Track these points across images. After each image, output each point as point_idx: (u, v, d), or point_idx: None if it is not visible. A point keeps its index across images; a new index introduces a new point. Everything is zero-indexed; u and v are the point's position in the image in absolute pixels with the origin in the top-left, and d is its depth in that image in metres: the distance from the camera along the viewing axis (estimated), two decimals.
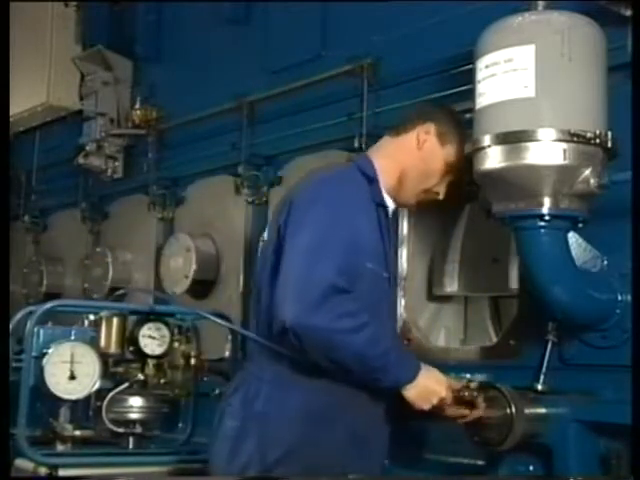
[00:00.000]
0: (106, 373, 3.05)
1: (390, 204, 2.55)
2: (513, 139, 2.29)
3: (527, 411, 2.39)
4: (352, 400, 2.40)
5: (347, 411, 2.40)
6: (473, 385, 2.43)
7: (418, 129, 2.55)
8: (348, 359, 2.28)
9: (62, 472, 2.71)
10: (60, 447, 2.91)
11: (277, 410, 2.36)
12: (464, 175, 2.52)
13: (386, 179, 2.52)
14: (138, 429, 3.07)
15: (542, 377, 2.53)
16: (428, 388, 2.36)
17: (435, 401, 2.37)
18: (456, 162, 2.54)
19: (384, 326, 2.46)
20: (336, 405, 2.38)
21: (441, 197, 2.59)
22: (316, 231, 2.30)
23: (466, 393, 2.41)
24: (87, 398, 3.01)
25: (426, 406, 2.37)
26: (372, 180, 2.47)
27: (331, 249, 2.27)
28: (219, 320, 2.37)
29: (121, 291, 3.59)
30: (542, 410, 2.44)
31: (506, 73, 2.31)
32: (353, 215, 2.38)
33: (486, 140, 2.34)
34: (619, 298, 2.46)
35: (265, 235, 2.53)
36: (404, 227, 3.15)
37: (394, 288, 2.72)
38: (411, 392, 2.35)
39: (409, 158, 2.53)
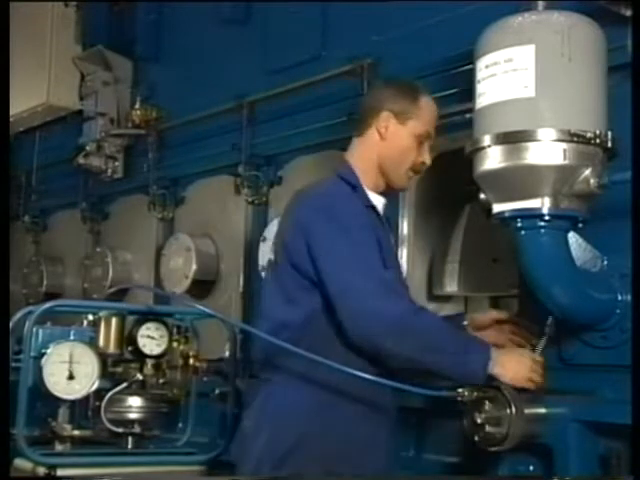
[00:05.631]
0: (105, 373, 3.04)
1: (379, 202, 2.56)
2: (513, 139, 2.28)
3: (527, 411, 2.39)
4: (359, 393, 2.39)
5: (352, 404, 2.40)
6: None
7: (375, 122, 2.55)
8: (441, 351, 2.31)
9: (61, 472, 2.71)
10: (59, 447, 2.91)
11: (289, 406, 2.38)
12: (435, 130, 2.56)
13: (369, 179, 2.54)
14: (137, 429, 3.06)
15: None
16: (513, 360, 2.35)
17: (530, 374, 2.35)
18: (425, 128, 2.55)
19: None
20: (342, 400, 2.39)
21: (428, 163, 2.58)
22: (341, 248, 2.34)
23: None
24: (86, 398, 3.01)
25: (525, 380, 2.34)
26: (355, 187, 2.50)
27: (366, 259, 2.35)
28: (223, 316, 2.35)
29: (113, 288, 3.58)
30: (542, 410, 2.43)
31: (506, 73, 2.31)
32: (358, 224, 2.41)
33: (486, 140, 2.33)
34: (619, 298, 2.45)
35: (267, 235, 2.53)
36: (404, 227, 3.15)
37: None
38: (501, 369, 2.31)
39: (380, 151, 2.54)
